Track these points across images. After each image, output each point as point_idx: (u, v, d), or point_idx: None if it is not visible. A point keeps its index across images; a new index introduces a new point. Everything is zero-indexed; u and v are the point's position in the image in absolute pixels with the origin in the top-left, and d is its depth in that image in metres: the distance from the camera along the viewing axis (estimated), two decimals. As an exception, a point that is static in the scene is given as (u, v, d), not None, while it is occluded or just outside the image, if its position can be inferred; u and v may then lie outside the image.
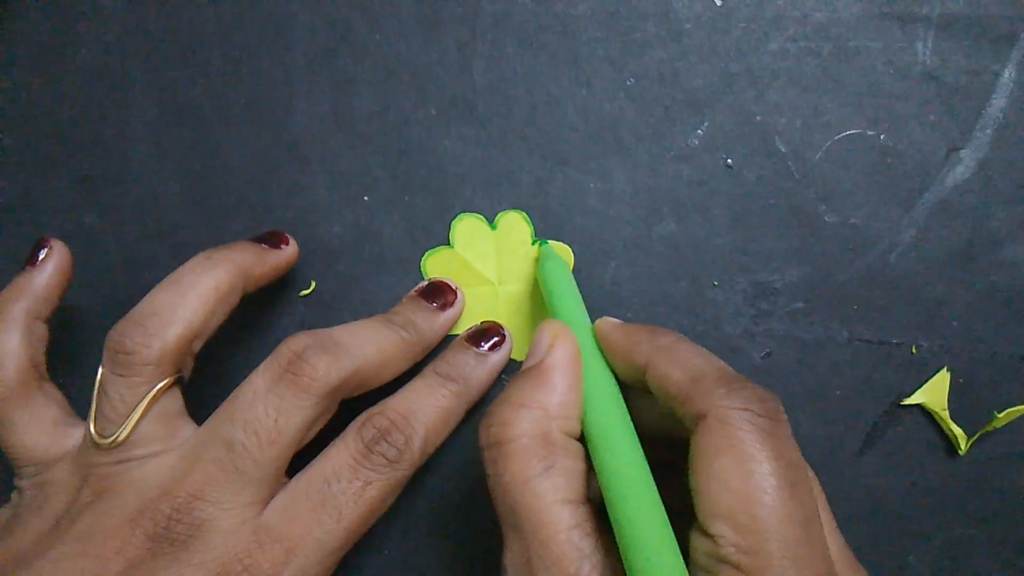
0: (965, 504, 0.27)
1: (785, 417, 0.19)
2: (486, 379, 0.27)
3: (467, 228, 0.29)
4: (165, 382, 0.23)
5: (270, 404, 0.23)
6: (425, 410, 0.25)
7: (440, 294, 0.27)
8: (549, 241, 0.28)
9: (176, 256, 0.29)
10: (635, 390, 0.22)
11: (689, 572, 0.17)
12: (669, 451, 0.22)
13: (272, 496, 0.23)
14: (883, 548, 0.28)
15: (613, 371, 0.22)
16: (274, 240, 0.27)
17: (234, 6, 0.30)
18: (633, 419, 0.22)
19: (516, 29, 0.29)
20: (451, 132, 0.29)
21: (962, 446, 0.27)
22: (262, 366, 0.24)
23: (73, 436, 0.24)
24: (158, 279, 0.29)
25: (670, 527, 0.18)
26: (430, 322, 0.27)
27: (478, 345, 0.27)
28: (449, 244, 0.29)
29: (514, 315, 0.28)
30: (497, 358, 0.27)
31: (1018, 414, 0.27)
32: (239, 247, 0.26)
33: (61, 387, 0.26)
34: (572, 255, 0.28)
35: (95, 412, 0.23)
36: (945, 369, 0.27)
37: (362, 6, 0.30)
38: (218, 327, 0.25)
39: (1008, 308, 0.28)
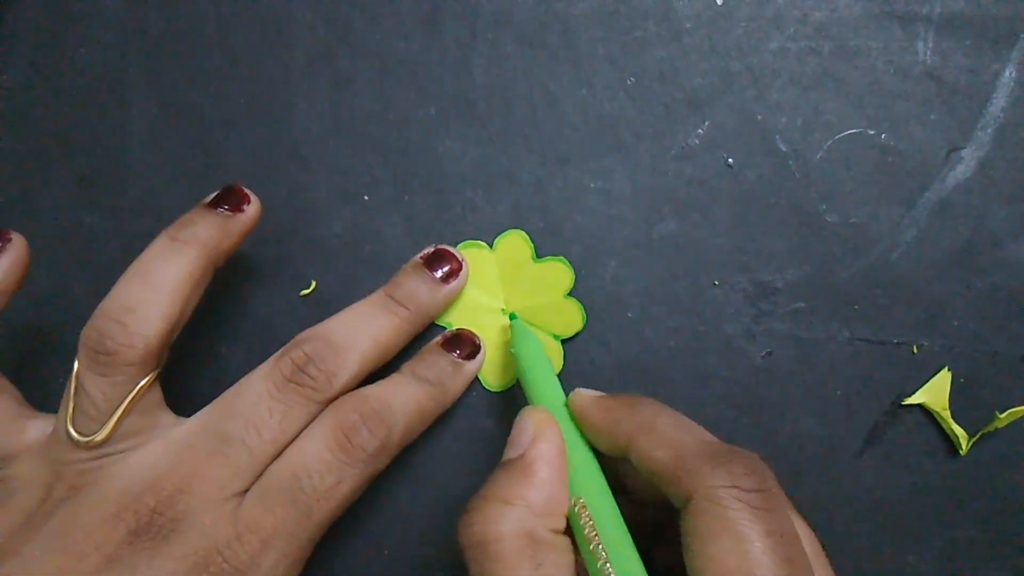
0: (966, 504, 0.27)
1: (774, 484, 0.18)
2: (461, 386, 0.27)
3: (467, 257, 0.28)
4: (148, 379, 0.23)
5: (275, 408, 0.23)
6: (405, 405, 0.24)
7: (444, 262, 0.27)
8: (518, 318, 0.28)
9: (176, 256, 0.29)
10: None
11: None
12: (661, 512, 0.21)
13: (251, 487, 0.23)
14: (883, 548, 0.28)
15: (593, 446, 0.22)
16: (235, 202, 0.25)
17: (234, 6, 0.30)
18: (623, 484, 0.22)
19: (516, 29, 0.29)
20: (451, 132, 0.29)
21: (963, 446, 0.27)
22: (265, 370, 0.24)
23: (31, 428, 0.24)
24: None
25: None
26: (433, 294, 0.26)
27: (453, 351, 0.27)
28: None
29: None
30: (472, 367, 0.27)
31: (1019, 414, 0.27)
32: (202, 222, 0.24)
33: (60, 387, 0.26)
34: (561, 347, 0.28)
35: (72, 410, 0.23)
36: (946, 369, 0.27)
37: (362, 6, 0.30)
38: (193, 311, 0.25)
39: (1009, 308, 0.27)
